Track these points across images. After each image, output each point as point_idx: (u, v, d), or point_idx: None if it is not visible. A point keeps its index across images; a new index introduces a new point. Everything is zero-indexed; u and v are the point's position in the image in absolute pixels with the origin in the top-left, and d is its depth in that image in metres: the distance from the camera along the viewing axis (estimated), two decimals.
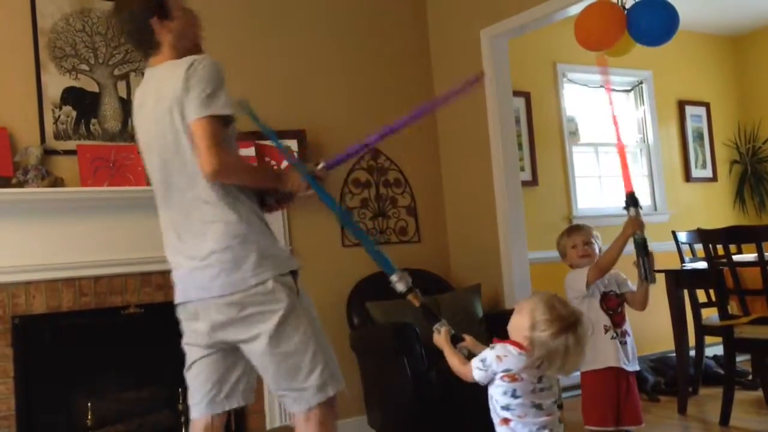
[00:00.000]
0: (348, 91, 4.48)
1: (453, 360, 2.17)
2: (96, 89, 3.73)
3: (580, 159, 5.55)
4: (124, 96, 3.79)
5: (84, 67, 3.71)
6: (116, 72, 3.79)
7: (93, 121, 3.70)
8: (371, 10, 4.65)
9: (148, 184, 2.49)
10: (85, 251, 3.51)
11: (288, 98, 4.20)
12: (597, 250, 2.94)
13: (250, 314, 2.13)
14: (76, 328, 3.53)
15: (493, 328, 4.06)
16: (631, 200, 2.76)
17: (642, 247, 2.71)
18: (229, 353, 2.27)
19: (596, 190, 5.62)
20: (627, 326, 2.86)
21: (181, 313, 2.32)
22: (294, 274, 2.19)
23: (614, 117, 3.32)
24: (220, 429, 2.35)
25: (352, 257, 4.31)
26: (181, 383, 3.59)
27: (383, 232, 4.51)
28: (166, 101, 2.14)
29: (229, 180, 2.13)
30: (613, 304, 2.83)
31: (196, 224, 2.18)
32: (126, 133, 3.76)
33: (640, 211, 2.76)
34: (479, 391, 3.85)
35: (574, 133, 5.57)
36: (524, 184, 4.71)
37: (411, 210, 4.64)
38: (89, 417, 3.38)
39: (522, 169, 4.97)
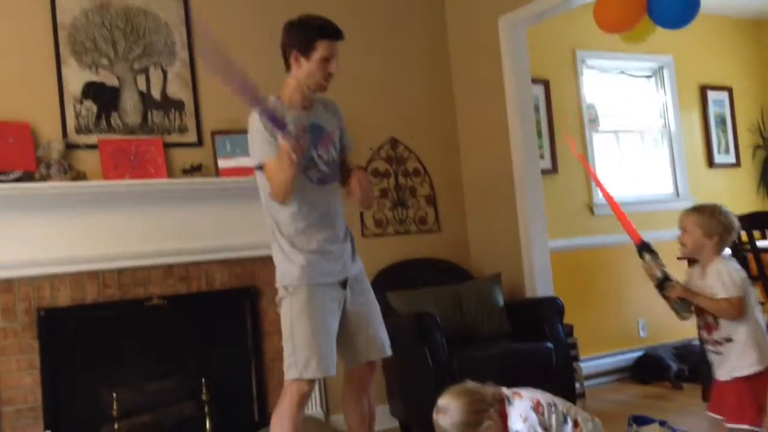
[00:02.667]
0: (364, 79, 4.46)
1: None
2: (116, 83, 3.76)
3: (600, 146, 5.51)
4: (144, 90, 3.81)
5: (104, 61, 3.74)
6: (135, 66, 3.81)
7: (113, 115, 3.73)
8: None
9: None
10: (108, 244, 3.55)
11: None
12: (695, 239, 2.57)
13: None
14: (101, 320, 3.57)
15: (514, 317, 4.06)
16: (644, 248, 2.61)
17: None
18: None
19: (617, 177, 5.57)
20: (721, 334, 2.52)
21: None
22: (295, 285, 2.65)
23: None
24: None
25: (372, 247, 4.31)
26: (204, 374, 3.66)
27: (403, 222, 4.50)
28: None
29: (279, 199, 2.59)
30: (699, 313, 2.59)
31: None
32: (146, 126, 3.79)
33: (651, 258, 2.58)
34: (502, 381, 3.84)
35: (594, 120, 5.52)
36: (544, 172, 4.68)
37: (430, 199, 4.63)
38: (114, 407, 3.42)
39: (541, 157, 4.93)
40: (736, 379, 2.51)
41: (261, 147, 2.56)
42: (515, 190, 4.36)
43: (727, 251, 2.62)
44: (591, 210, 5.26)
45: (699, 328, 2.61)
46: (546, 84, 5.16)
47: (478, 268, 4.58)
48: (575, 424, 2.22)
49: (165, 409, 3.69)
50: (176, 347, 3.73)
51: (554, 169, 5.14)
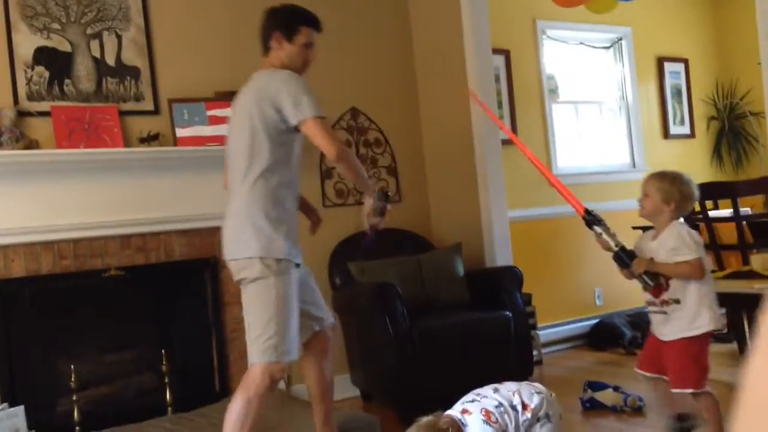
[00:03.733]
0: (323, 48, 4.39)
1: None
2: (68, 49, 3.65)
3: (560, 117, 5.55)
4: (98, 56, 3.71)
5: (55, 26, 3.62)
6: (89, 31, 3.70)
7: (66, 81, 3.63)
8: None
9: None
10: (64, 214, 3.47)
11: None
12: (654, 204, 2.63)
13: (242, 277, 2.61)
14: (57, 291, 3.51)
15: (474, 286, 4.10)
16: (590, 219, 2.55)
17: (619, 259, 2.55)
18: None
19: (576, 148, 5.63)
20: (670, 295, 2.55)
21: None
22: (279, 261, 2.55)
23: None
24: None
25: (333, 217, 4.30)
26: (164, 345, 3.64)
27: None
28: (254, 96, 2.61)
29: (340, 164, 2.61)
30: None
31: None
32: (101, 93, 3.70)
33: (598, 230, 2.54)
34: (461, 349, 3.90)
35: (554, 91, 5.56)
36: (504, 142, 4.71)
37: (391, 170, 4.63)
38: (72, 379, 3.38)
39: None
40: (682, 340, 2.56)
41: (313, 101, 2.57)
42: (476, 160, 4.38)
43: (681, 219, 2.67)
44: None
45: (644, 289, 2.63)
46: (507, 54, 5.17)
47: (439, 239, 4.61)
48: (524, 406, 2.27)
49: (124, 380, 3.67)
50: (135, 318, 3.70)
51: None
